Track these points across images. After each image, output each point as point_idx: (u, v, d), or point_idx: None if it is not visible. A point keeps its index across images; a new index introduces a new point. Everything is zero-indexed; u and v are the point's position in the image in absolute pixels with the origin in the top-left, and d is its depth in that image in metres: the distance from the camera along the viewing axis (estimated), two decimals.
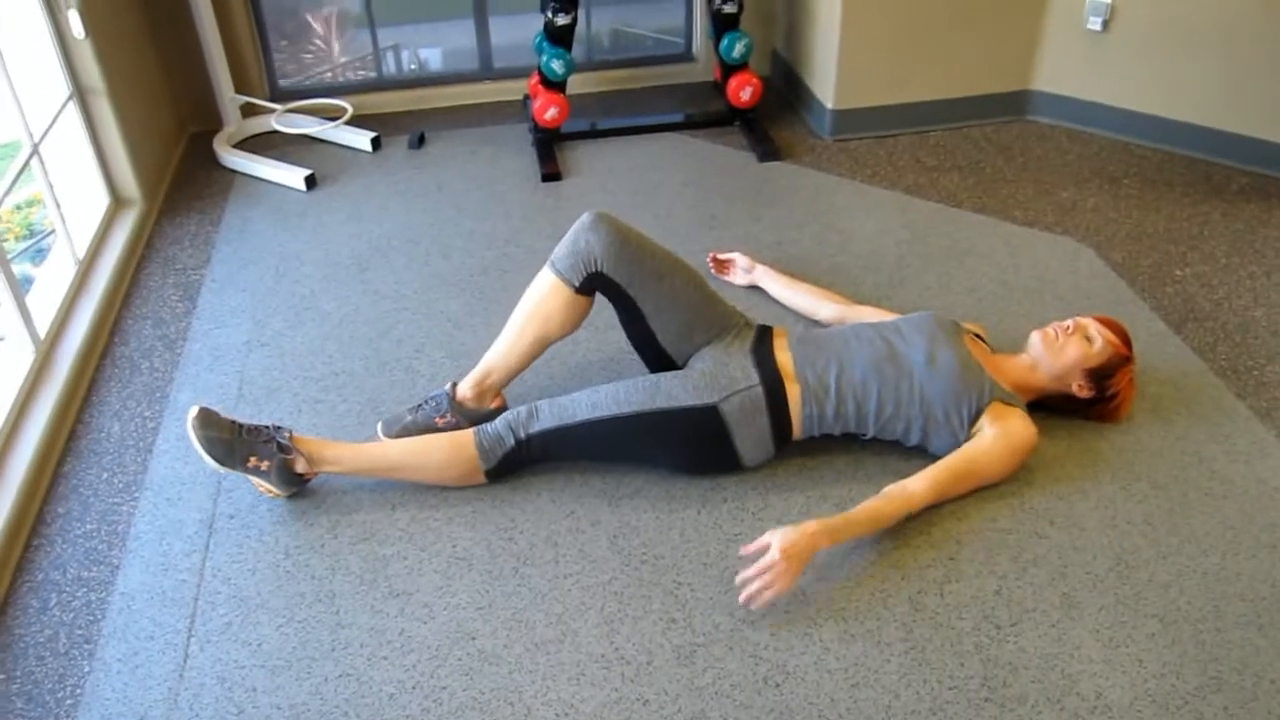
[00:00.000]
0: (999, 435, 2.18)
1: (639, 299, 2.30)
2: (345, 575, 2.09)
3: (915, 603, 1.99)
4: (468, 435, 2.23)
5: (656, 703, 1.82)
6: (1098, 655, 1.88)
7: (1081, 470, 2.30)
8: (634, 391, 2.19)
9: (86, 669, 1.92)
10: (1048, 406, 2.38)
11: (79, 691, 1.88)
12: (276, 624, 1.99)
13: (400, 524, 2.20)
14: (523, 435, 2.21)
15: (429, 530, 2.18)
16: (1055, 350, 2.31)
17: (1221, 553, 2.09)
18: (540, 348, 2.37)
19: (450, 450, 2.22)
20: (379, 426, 2.39)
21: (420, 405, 2.39)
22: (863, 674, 1.86)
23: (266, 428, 2.21)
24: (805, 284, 2.82)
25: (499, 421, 2.23)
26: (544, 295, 2.32)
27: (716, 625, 1.96)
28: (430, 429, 2.35)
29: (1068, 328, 2.32)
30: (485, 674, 1.88)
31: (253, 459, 2.16)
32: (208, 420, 2.15)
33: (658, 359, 2.38)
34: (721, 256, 3.02)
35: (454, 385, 2.38)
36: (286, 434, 2.20)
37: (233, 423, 2.18)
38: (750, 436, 2.21)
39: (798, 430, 2.25)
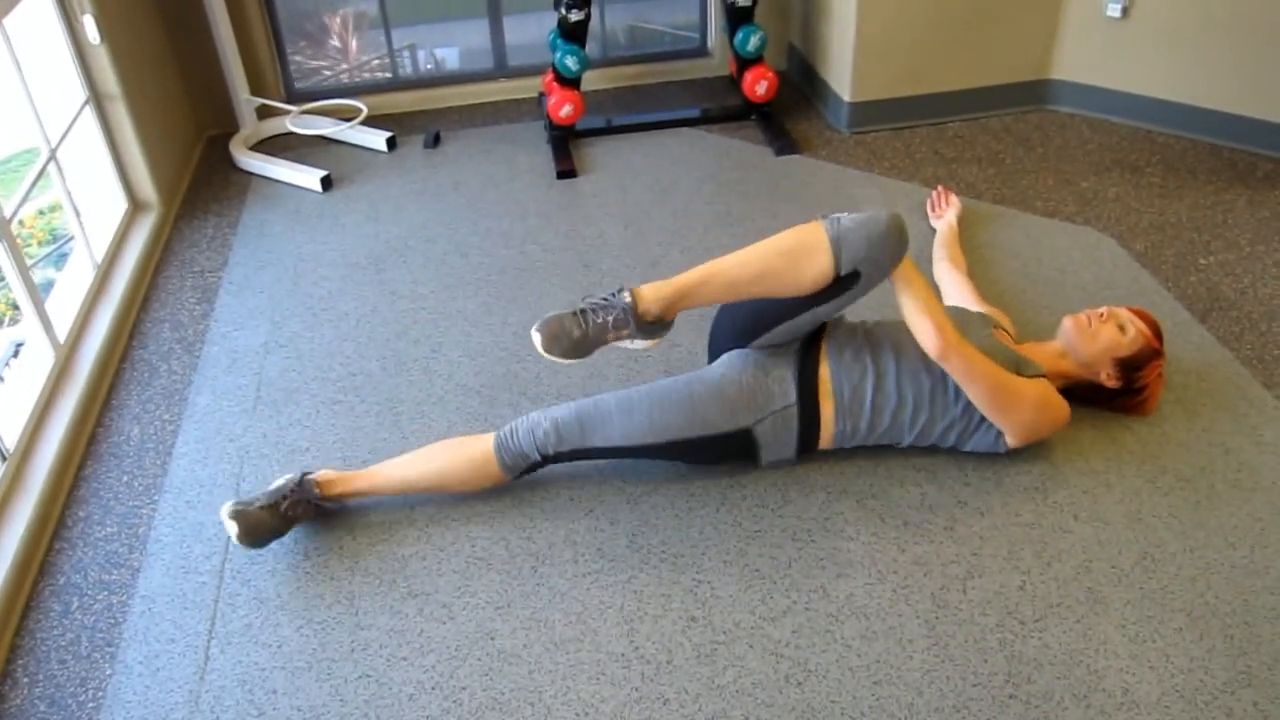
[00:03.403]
0: (1037, 383, 2.16)
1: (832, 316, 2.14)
2: (364, 576, 2.08)
3: (938, 599, 1.97)
4: (489, 453, 2.17)
5: (677, 701, 1.80)
6: (1124, 650, 1.85)
7: (1106, 463, 2.27)
8: (668, 413, 2.13)
9: (108, 672, 1.93)
10: (1074, 396, 2.35)
11: (100, 695, 1.88)
12: (296, 625, 1.99)
13: (418, 524, 2.20)
14: (550, 453, 2.17)
15: (447, 530, 2.18)
16: (1087, 336, 2.28)
17: (1250, 545, 2.06)
18: (760, 295, 2.08)
19: (472, 469, 2.18)
20: (536, 336, 1.99)
21: (585, 311, 2.00)
22: (885, 671, 1.84)
23: (296, 487, 2.14)
24: (955, 260, 2.83)
25: (523, 439, 2.16)
26: (806, 251, 1.98)
27: (737, 623, 1.94)
28: (598, 341, 2.02)
29: (1101, 314, 2.30)
30: (505, 674, 1.87)
31: (292, 511, 2.13)
32: (248, 527, 2.07)
33: (744, 327, 2.19)
34: (948, 195, 3.18)
35: (632, 293, 2.02)
36: (314, 485, 2.16)
37: (261, 508, 2.09)
38: (776, 450, 2.21)
39: (826, 443, 2.24)
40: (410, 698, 1.84)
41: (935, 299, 2.07)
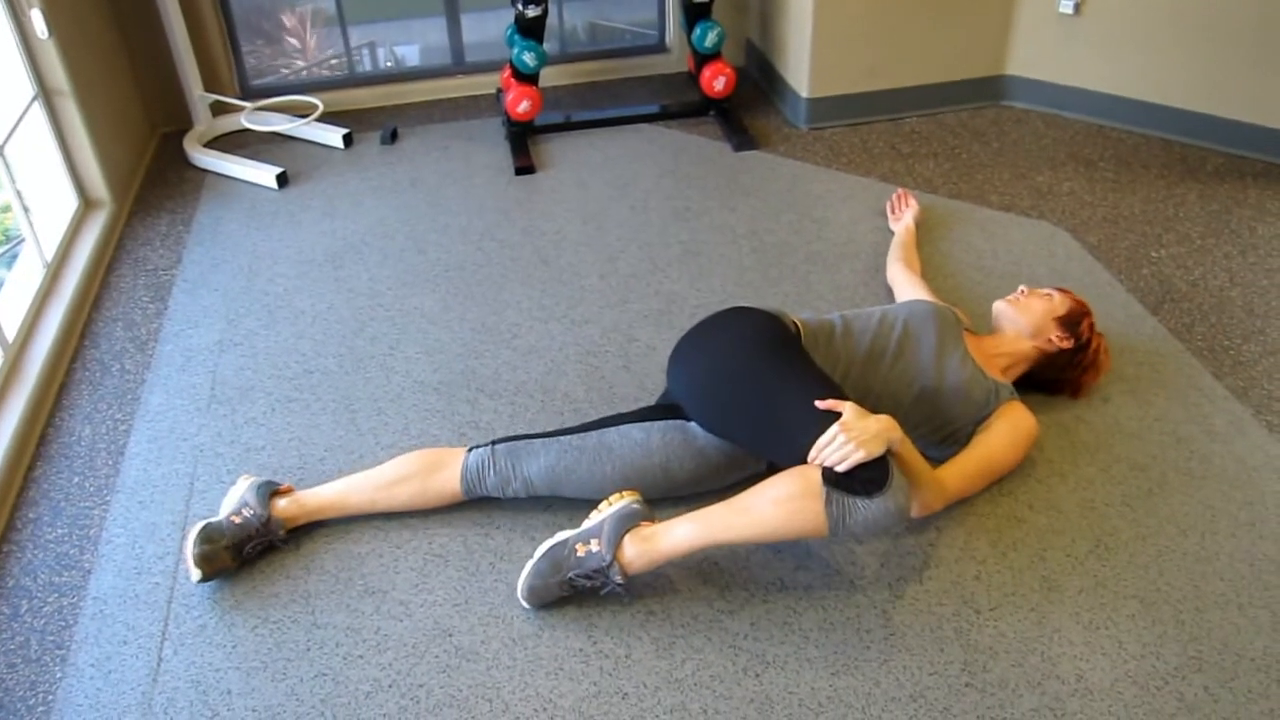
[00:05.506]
0: (1007, 428, 2.16)
1: None
2: (320, 574, 2.06)
3: (894, 589, 1.98)
4: (457, 493, 2.15)
5: (635, 695, 1.80)
6: (1078, 638, 1.87)
7: (1060, 453, 2.29)
8: (643, 479, 2.10)
9: (59, 675, 1.89)
10: (1036, 385, 2.38)
11: (51, 698, 1.85)
12: (251, 625, 1.97)
13: (375, 521, 2.18)
14: (510, 496, 2.15)
15: (404, 527, 2.16)
16: (1023, 308, 2.38)
17: (1201, 532, 2.08)
18: None
19: (440, 501, 2.17)
20: (526, 605, 1.98)
21: (574, 583, 1.94)
22: (843, 662, 1.85)
23: (262, 528, 2.08)
24: (910, 262, 2.87)
25: (491, 487, 2.13)
26: (804, 533, 1.80)
27: (695, 616, 1.94)
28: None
29: (1022, 292, 2.43)
30: (463, 671, 1.86)
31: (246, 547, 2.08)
32: (214, 572, 2.03)
33: (713, 427, 2.11)
34: (908, 198, 3.19)
35: (622, 571, 1.91)
36: (280, 526, 2.10)
37: (226, 549, 2.03)
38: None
39: None
40: (367, 695, 1.82)
41: (922, 466, 1.97)
